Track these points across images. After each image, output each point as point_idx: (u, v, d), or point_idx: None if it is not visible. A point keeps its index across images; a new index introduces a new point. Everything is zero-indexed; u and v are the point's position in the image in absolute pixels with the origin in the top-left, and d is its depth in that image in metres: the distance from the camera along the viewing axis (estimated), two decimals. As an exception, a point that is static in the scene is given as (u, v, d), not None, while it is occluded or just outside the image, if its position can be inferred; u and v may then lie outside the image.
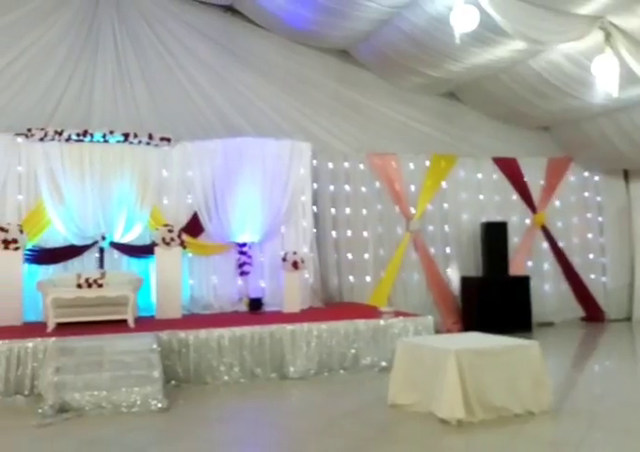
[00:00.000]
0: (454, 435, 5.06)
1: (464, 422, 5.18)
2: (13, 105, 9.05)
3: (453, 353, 5.31)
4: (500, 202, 11.30)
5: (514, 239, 11.12)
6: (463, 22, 7.06)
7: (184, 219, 9.23)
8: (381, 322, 7.62)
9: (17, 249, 7.98)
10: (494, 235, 10.57)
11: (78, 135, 8.75)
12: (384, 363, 7.39)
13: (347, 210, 10.43)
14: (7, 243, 7.91)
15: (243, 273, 9.35)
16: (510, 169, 11.34)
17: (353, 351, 7.43)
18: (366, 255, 10.40)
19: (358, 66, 10.80)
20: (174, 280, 8.43)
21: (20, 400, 6.25)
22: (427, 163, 10.82)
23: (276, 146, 9.56)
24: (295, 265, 8.67)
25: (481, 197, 11.20)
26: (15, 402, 6.22)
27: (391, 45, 9.65)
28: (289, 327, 7.27)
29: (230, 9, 10.31)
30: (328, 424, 5.48)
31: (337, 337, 7.38)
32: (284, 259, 8.73)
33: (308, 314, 8.35)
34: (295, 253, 8.79)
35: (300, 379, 7.08)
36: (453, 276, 10.82)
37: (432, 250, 10.71)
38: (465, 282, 10.61)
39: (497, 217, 11.03)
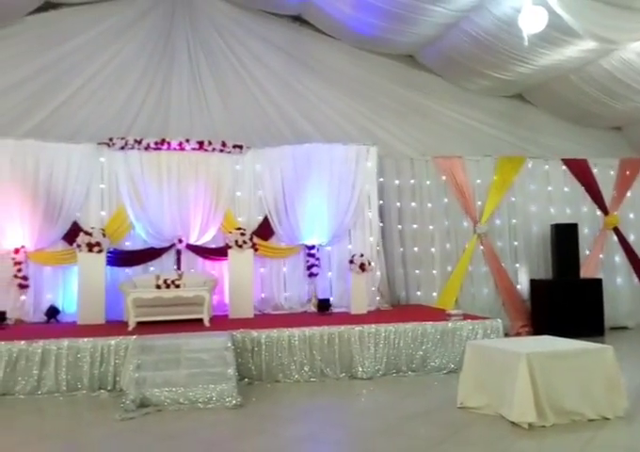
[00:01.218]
0: (525, 439, 5.02)
1: (535, 426, 5.14)
2: (95, 117, 9.63)
3: (524, 356, 5.28)
4: (570, 204, 11.05)
5: (585, 241, 10.84)
6: (532, 23, 7.01)
7: (255, 223, 9.54)
8: (449, 324, 7.63)
9: (100, 251, 8.45)
10: (565, 238, 10.37)
11: (156, 143, 9.22)
12: (452, 366, 7.41)
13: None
14: (91, 246, 8.39)
15: (311, 275, 9.57)
16: (580, 170, 11.08)
17: (421, 353, 7.46)
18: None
19: (423, 70, 10.87)
20: (246, 281, 8.72)
21: (103, 395, 6.58)
22: (494, 165, 10.70)
23: (343, 151, 9.75)
24: (362, 267, 8.80)
25: (550, 198, 10.98)
26: (99, 397, 6.55)
27: (457, 48, 9.66)
28: (357, 328, 7.37)
29: (298, 19, 10.59)
30: (398, 424, 5.53)
31: (405, 339, 7.43)
32: (351, 261, 8.88)
33: (375, 316, 8.46)
34: (362, 256, 8.92)
35: (369, 380, 7.17)
36: (522, 279, 10.66)
37: (500, 253, 10.59)
38: (534, 284, 10.44)
39: (567, 219, 10.80)
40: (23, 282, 8.72)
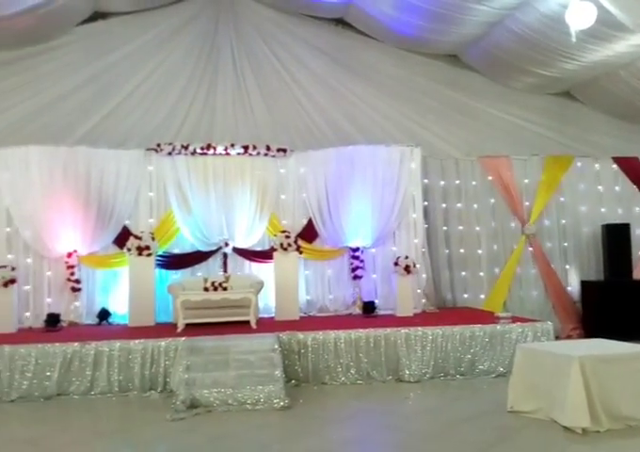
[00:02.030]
0: (579, 444, 4.92)
1: (589, 431, 5.04)
2: (143, 123, 9.85)
3: (576, 360, 5.18)
4: (621, 203, 10.74)
5: (637, 242, 10.51)
6: (579, 19, 6.86)
7: (299, 226, 9.60)
8: (498, 327, 7.52)
9: (149, 255, 8.62)
10: (616, 238, 10.09)
11: (202, 148, 9.37)
12: (501, 369, 7.30)
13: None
14: (140, 249, 8.57)
15: (356, 277, 9.57)
16: (632, 168, 10.76)
17: (469, 356, 7.36)
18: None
19: (467, 69, 10.74)
20: (292, 283, 8.77)
21: (154, 396, 6.71)
22: (542, 164, 10.49)
23: (386, 152, 9.71)
24: (407, 269, 8.75)
25: (601, 197, 10.70)
26: (150, 397, 6.69)
27: (501, 47, 9.52)
28: (403, 330, 7.33)
29: (340, 22, 10.61)
30: (447, 428, 5.49)
31: (452, 342, 7.36)
32: (396, 263, 8.83)
33: (422, 318, 8.40)
34: (407, 258, 8.87)
35: (416, 383, 7.12)
36: (572, 280, 10.42)
37: (549, 254, 10.37)
38: (585, 286, 10.19)
39: (619, 219, 10.51)
40: (75, 285, 8.97)
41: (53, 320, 8.23)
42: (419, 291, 9.55)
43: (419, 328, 7.40)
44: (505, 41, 9.28)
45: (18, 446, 5.23)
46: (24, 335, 7.68)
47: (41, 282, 8.97)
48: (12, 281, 8.07)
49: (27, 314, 8.81)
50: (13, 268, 8.18)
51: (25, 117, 9.58)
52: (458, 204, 10.37)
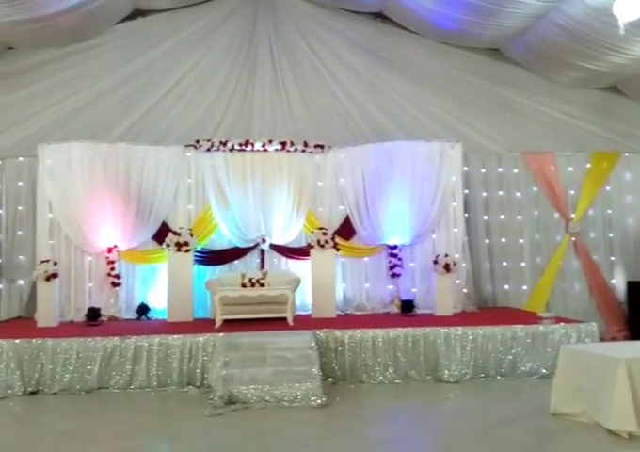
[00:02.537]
0: (624, 449, 4.79)
1: (636, 435, 4.90)
2: (183, 119, 9.93)
3: (623, 362, 5.03)
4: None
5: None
6: (628, 10, 6.63)
7: (336, 223, 9.54)
8: (540, 328, 7.34)
9: (188, 251, 8.67)
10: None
11: (240, 145, 9.39)
12: (544, 371, 7.14)
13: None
14: (179, 245, 8.63)
15: (394, 275, 9.45)
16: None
17: (510, 357, 7.21)
18: (523, 263, 10.02)
19: (509, 63, 10.49)
20: (329, 281, 8.72)
21: (192, 391, 6.76)
22: (587, 161, 10.20)
23: (426, 148, 9.56)
24: (446, 267, 8.61)
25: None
26: (188, 393, 6.73)
27: (545, 40, 9.28)
28: (443, 330, 7.22)
29: (379, 16, 10.49)
30: (487, 430, 5.38)
31: (493, 342, 7.21)
32: (436, 261, 8.70)
33: (461, 318, 8.27)
34: (446, 256, 8.73)
35: (455, 383, 7.01)
36: (618, 280, 10.12)
37: (594, 254, 10.08)
38: (632, 287, 9.87)
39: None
40: (115, 280, 9.09)
41: (93, 314, 8.36)
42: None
43: (459, 327, 7.28)
44: (550, 34, 9.04)
45: (59, 438, 5.32)
46: (66, 329, 7.81)
47: (83, 276, 9.12)
48: (54, 275, 8.21)
49: (68, 308, 8.95)
50: (55, 263, 8.31)
51: (68, 114, 9.77)
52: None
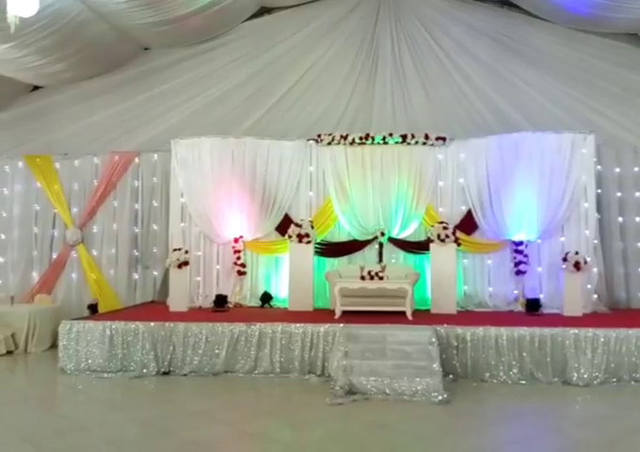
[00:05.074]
0: None
1: None
2: (305, 115, 10.14)
3: None
4: None
5: None
6: None
7: (457, 217, 9.33)
8: (682, 333, 6.80)
9: (309, 242, 8.86)
10: None
11: (361, 138, 9.42)
12: (685, 378, 6.62)
13: (637, 194, 9.46)
14: (300, 237, 8.83)
15: (519, 272, 9.09)
16: None
17: (646, 362, 6.76)
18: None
19: (649, 49, 9.76)
20: (449, 276, 8.56)
21: (313, 379, 6.90)
22: None
23: (555, 140, 9.10)
24: (576, 265, 8.17)
25: None
26: (309, 381, 6.88)
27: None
28: (572, 331, 6.88)
29: (505, 3, 10.13)
30: (621, 438, 5.09)
31: (627, 345, 6.78)
32: (565, 259, 8.28)
33: (592, 319, 7.84)
34: (577, 253, 8.28)
35: (585, 387, 6.65)
36: None
37: None
38: None
39: None
40: (241, 269, 9.47)
41: (221, 301, 8.76)
42: (589, 286, 8.87)
43: (589, 329, 6.91)
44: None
45: (189, 417, 5.61)
46: (195, 314, 8.25)
47: (211, 265, 9.59)
48: (186, 263, 8.67)
49: (197, 294, 9.44)
50: (187, 251, 8.78)
51: (197, 111, 10.27)
52: (637, 193, 9.48)
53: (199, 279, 9.49)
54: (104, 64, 10.23)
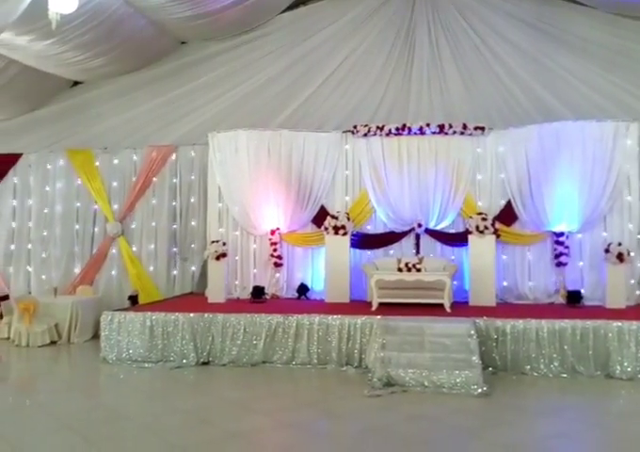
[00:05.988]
0: None
1: None
2: (341, 106, 10.08)
3: None
4: None
5: None
6: None
7: (497, 208, 9.19)
8: None
9: (345, 234, 8.86)
10: None
11: (397, 129, 9.33)
12: None
13: None
14: (336, 229, 8.84)
15: (560, 264, 8.91)
16: None
17: (693, 356, 6.58)
18: None
19: (696, 33, 9.41)
20: (488, 268, 8.46)
21: (350, 371, 6.92)
22: None
23: (597, 128, 8.86)
24: (619, 257, 7.99)
25: None
26: (346, 372, 6.90)
27: None
28: (615, 323, 6.73)
29: (544, -11, 9.88)
30: (666, 433, 4.97)
31: (673, 339, 6.61)
32: (607, 250, 8.10)
33: (636, 312, 7.66)
34: (620, 244, 8.09)
35: (628, 381, 6.53)
36: None
37: None
38: None
39: None
40: (278, 260, 9.52)
41: (258, 292, 8.83)
42: (632, 282, 8.66)
43: (633, 322, 6.75)
44: None
45: (229, 407, 5.69)
46: (233, 305, 8.34)
47: (248, 257, 9.66)
48: (224, 254, 8.76)
49: (234, 286, 9.54)
50: (224, 243, 8.86)
51: (235, 103, 10.32)
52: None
53: (236, 271, 9.56)
54: (141, 58, 10.36)
